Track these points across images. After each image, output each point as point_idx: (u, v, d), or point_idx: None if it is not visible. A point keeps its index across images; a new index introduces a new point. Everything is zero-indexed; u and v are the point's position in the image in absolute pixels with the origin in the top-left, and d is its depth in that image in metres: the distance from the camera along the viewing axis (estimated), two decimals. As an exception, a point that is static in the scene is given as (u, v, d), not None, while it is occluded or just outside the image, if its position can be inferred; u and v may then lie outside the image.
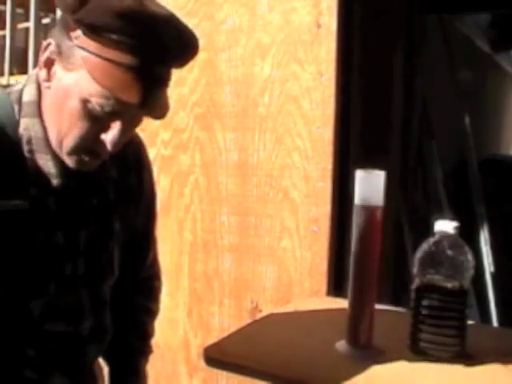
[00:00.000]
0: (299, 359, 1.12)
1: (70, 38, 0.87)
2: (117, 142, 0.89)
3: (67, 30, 0.87)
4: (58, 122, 0.90)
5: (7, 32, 3.19)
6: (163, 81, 0.89)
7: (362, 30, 2.06)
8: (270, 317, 1.43)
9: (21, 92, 0.95)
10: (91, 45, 0.84)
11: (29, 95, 0.94)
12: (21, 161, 0.92)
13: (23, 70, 3.12)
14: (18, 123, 0.93)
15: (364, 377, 1.06)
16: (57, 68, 0.90)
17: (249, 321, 1.62)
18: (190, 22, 1.90)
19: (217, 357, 1.19)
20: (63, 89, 0.88)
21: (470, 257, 1.13)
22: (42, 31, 3.13)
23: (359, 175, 1.13)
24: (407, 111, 2.63)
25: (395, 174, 2.47)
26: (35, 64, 3.03)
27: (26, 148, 0.92)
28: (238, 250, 1.89)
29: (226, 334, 1.36)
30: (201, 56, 1.97)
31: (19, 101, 0.94)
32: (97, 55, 0.84)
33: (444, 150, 3.23)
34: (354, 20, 2.01)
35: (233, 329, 1.37)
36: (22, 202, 0.90)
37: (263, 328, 1.34)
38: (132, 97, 0.84)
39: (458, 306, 1.13)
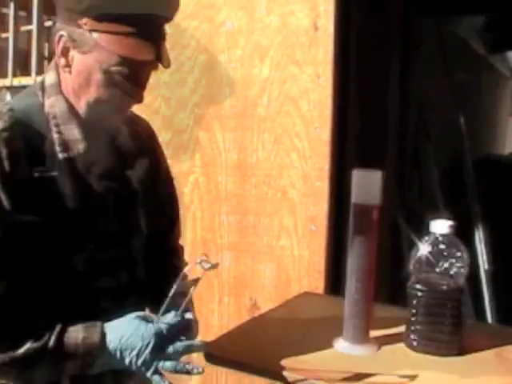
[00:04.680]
0: (297, 356, 1.13)
1: (79, 26, 1.02)
2: (140, 97, 1.07)
3: (74, 20, 1.02)
4: (86, 95, 1.06)
5: (10, 34, 3.21)
6: (163, 36, 1.06)
7: (359, 33, 2.08)
8: (269, 314, 1.44)
9: (42, 81, 1.11)
10: (100, 26, 1.01)
11: (50, 79, 1.10)
12: (49, 134, 1.07)
13: (26, 72, 3.14)
14: (43, 105, 1.09)
15: (361, 374, 1.07)
16: (73, 54, 1.05)
17: (248, 318, 1.63)
18: (190, 25, 1.95)
19: (216, 354, 1.19)
20: (85, 67, 1.04)
21: (465, 255, 1.14)
22: (45, 34, 3.15)
23: (356, 174, 1.15)
24: (403, 112, 2.65)
25: (391, 173, 2.48)
26: (38, 66, 3.04)
27: (52, 122, 1.08)
28: (237, 248, 1.91)
29: (225, 331, 1.36)
30: (201, 58, 2.00)
31: (42, 87, 1.10)
32: (108, 32, 1.01)
33: (439, 150, 3.25)
34: (350, 22, 2.03)
35: (232, 326, 1.38)
36: (54, 168, 1.05)
37: (262, 325, 1.34)
38: (146, 54, 1.02)
39: (453, 304, 1.15)
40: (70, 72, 1.07)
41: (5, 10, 3.28)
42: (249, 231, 1.89)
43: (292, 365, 1.10)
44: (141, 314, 1.06)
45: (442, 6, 3.06)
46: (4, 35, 3.36)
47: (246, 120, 1.89)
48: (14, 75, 3.12)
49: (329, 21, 1.76)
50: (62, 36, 1.04)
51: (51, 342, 1.00)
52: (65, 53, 1.05)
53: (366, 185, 1.15)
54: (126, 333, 1.01)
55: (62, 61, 1.06)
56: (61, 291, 1.06)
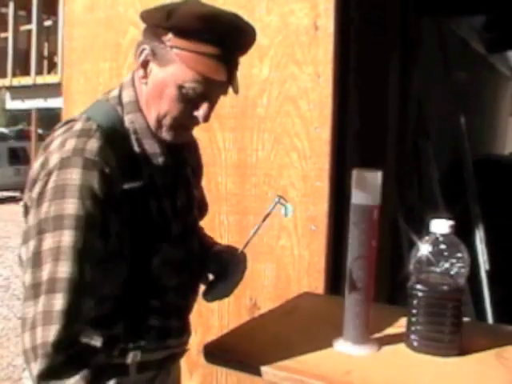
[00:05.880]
0: (297, 356, 1.13)
1: (162, 42, 1.09)
2: (207, 116, 1.13)
3: (158, 36, 1.10)
4: (157, 107, 1.13)
5: (10, 34, 3.22)
6: (237, 63, 1.13)
7: (359, 32, 2.09)
8: (269, 314, 1.44)
9: (119, 96, 1.18)
10: (183, 43, 1.07)
11: (129, 97, 1.17)
12: (132, 148, 1.14)
13: (26, 72, 3.14)
14: (122, 120, 1.15)
15: (361, 373, 1.08)
16: (152, 66, 1.12)
17: (248, 318, 1.64)
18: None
19: (216, 354, 1.20)
20: (161, 80, 1.11)
21: (465, 255, 1.15)
22: (44, 33, 3.15)
23: (356, 174, 1.15)
24: (403, 112, 2.65)
25: (391, 173, 2.49)
26: (37, 65, 3.04)
27: (133, 137, 1.15)
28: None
29: (225, 331, 1.37)
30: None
31: (120, 103, 1.17)
32: (189, 50, 1.07)
33: (439, 150, 3.25)
34: (350, 22, 2.03)
35: (232, 326, 1.38)
36: (140, 181, 1.12)
37: (262, 325, 1.35)
38: (221, 76, 1.08)
39: (453, 304, 1.15)
40: (147, 83, 1.14)
41: (4, 10, 3.29)
42: (249, 231, 1.88)
43: (292, 365, 1.10)
44: None
45: (442, 6, 3.06)
46: (3, 35, 3.37)
47: (246, 120, 1.89)
48: (14, 75, 3.11)
49: (329, 20, 1.76)
50: (144, 49, 1.12)
51: None
52: (144, 65, 1.13)
53: (366, 185, 1.15)
54: None
55: (141, 72, 1.13)
56: (140, 290, 1.15)
